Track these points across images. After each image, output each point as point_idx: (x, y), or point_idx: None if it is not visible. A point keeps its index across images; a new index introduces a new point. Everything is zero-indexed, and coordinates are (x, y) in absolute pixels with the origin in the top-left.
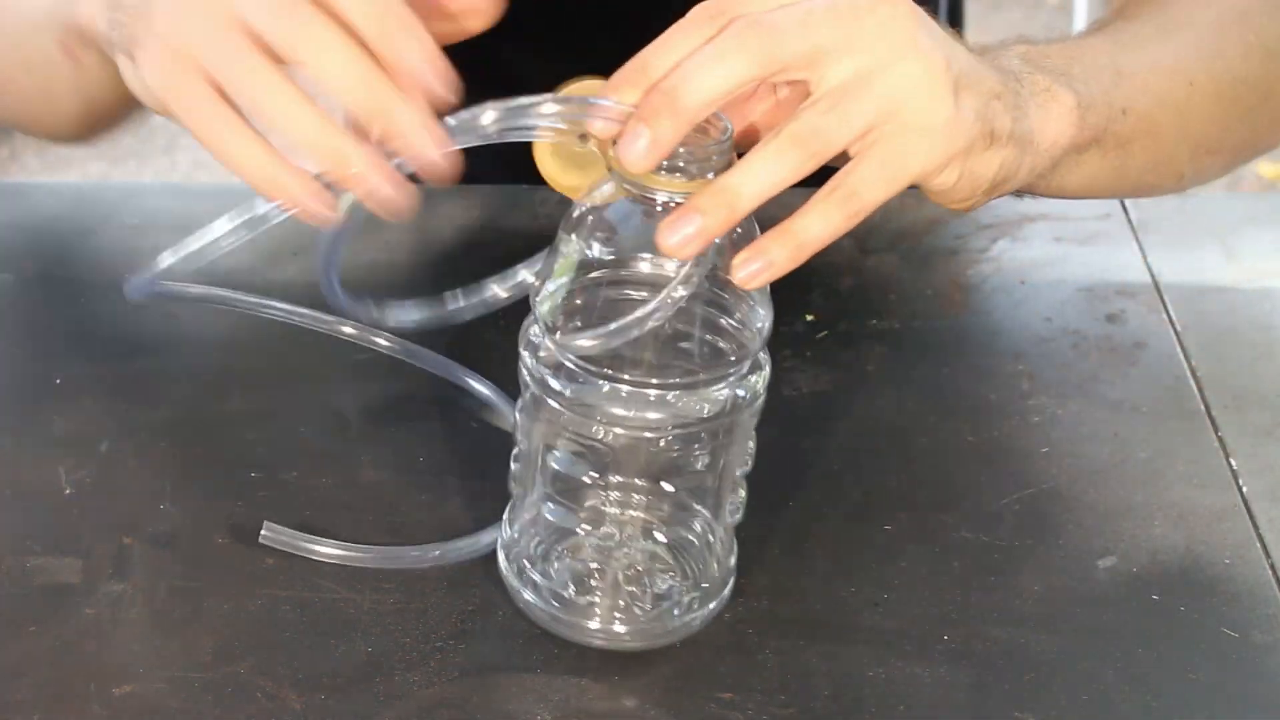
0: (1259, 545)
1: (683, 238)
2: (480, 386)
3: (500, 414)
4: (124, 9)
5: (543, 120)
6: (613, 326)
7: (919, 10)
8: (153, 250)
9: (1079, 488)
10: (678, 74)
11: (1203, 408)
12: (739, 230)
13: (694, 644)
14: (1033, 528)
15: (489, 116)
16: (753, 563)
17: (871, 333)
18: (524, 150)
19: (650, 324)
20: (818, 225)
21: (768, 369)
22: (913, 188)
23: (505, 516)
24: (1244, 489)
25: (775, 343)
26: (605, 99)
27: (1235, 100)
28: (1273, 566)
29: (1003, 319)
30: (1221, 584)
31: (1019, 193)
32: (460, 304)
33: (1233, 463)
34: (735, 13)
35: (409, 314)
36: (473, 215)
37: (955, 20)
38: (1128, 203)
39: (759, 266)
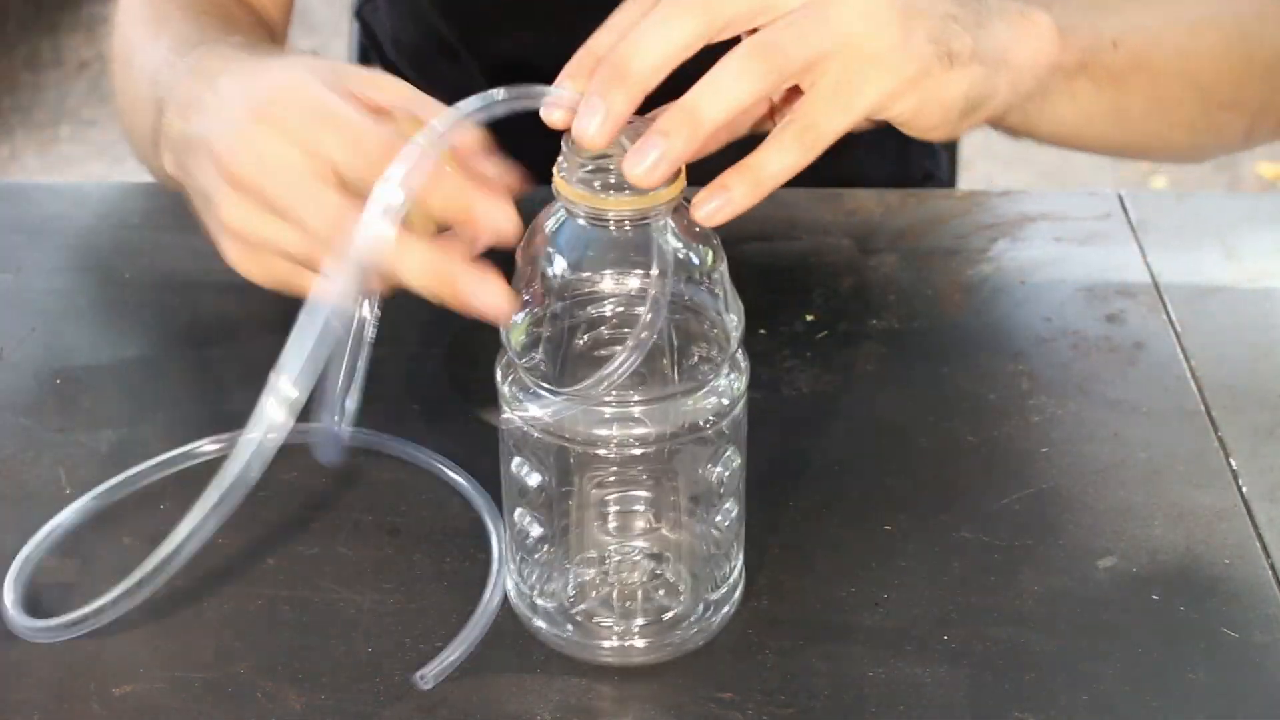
0: (1259, 545)
1: (650, 164)
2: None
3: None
4: (188, 169)
5: (495, 110)
6: (579, 387)
7: None
8: (153, 249)
9: (1079, 488)
10: (624, 44)
11: (1203, 408)
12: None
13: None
14: (1033, 528)
15: (441, 125)
16: (753, 563)
17: (871, 333)
18: (525, 158)
19: (623, 375)
20: (776, 160)
21: (746, 370)
22: (909, 187)
23: (508, 544)
24: (1244, 489)
25: (775, 343)
26: (556, 88)
27: (1247, 56)
28: (1273, 566)
29: (1003, 319)
30: (1221, 584)
31: (1013, 132)
32: None
33: (1233, 463)
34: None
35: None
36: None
37: None
38: (1127, 202)
39: (719, 203)
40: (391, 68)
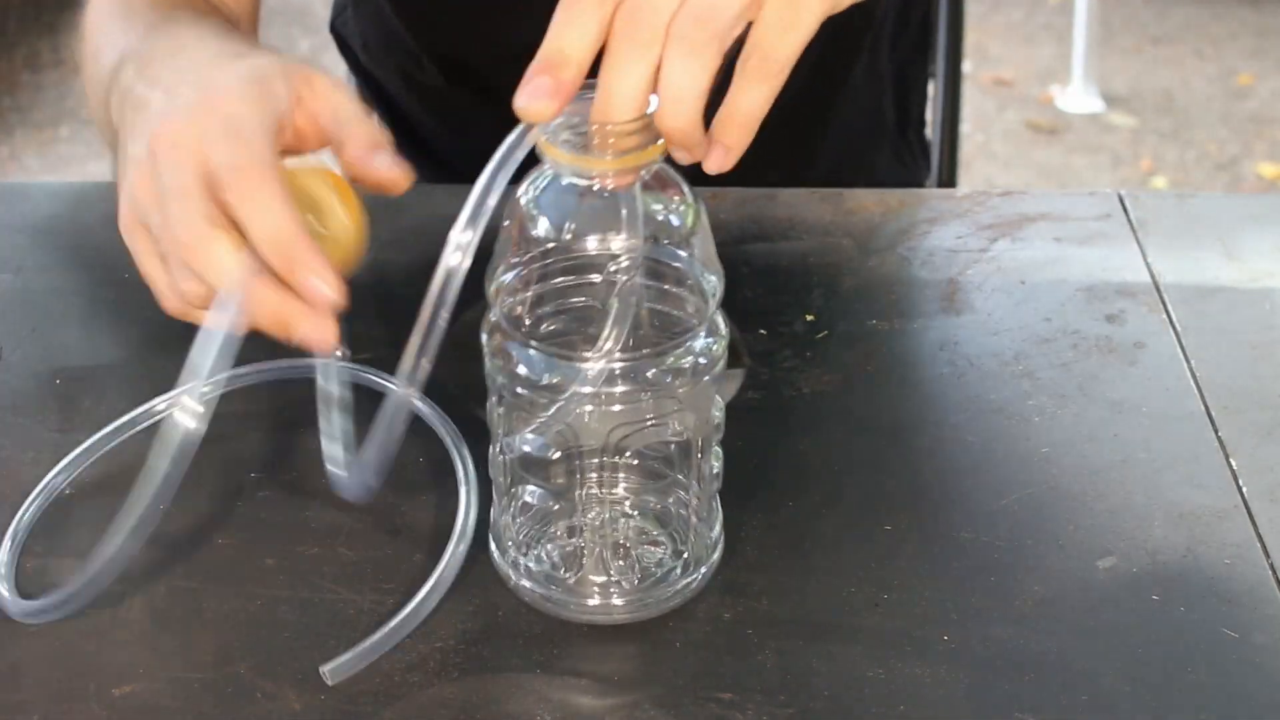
0: (1259, 545)
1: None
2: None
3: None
4: (125, 119)
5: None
6: (551, 411)
7: None
8: None
9: (1079, 488)
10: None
11: (1203, 408)
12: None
13: (694, 644)
14: (1033, 528)
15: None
16: (753, 563)
17: (871, 333)
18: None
19: (612, 350)
20: (749, 99)
21: (725, 332)
22: (907, 188)
23: (494, 505)
24: (1244, 489)
25: (775, 343)
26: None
27: None
28: (1273, 567)
29: (1003, 319)
30: (1221, 584)
31: None
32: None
33: (1233, 463)
34: None
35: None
36: None
37: (955, 19)
38: (1128, 202)
39: (720, 154)
40: (367, 74)
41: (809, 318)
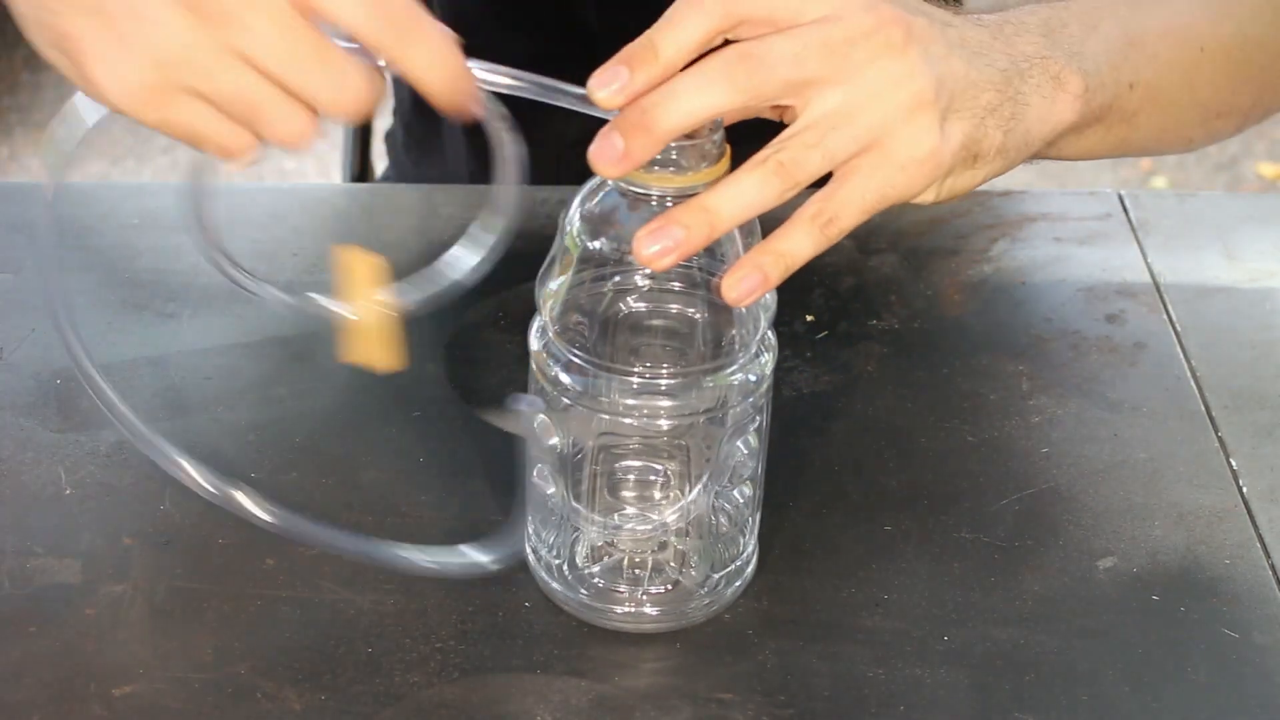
0: (1259, 545)
1: (661, 249)
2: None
3: (504, 413)
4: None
5: (560, 99)
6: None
7: (916, 26)
8: (153, 249)
9: (1079, 488)
10: (661, 94)
11: (1203, 408)
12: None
13: (694, 644)
14: (1033, 528)
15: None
16: None
17: (871, 333)
18: (559, 155)
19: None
20: (801, 243)
21: (774, 350)
22: None
23: (529, 513)
24: (1244, 489)
25: (775, 343)
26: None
27: (1245, 62)
28: (1273, 567)
29: (1003, 319)
30: (1221, 584)
31: None
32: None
33: (1233, 463)
34: (740, 14)
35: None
36: (472, 215)
37: None
38: (1128, 202)
39: (756, 282)
40: None
41: (809, 318)
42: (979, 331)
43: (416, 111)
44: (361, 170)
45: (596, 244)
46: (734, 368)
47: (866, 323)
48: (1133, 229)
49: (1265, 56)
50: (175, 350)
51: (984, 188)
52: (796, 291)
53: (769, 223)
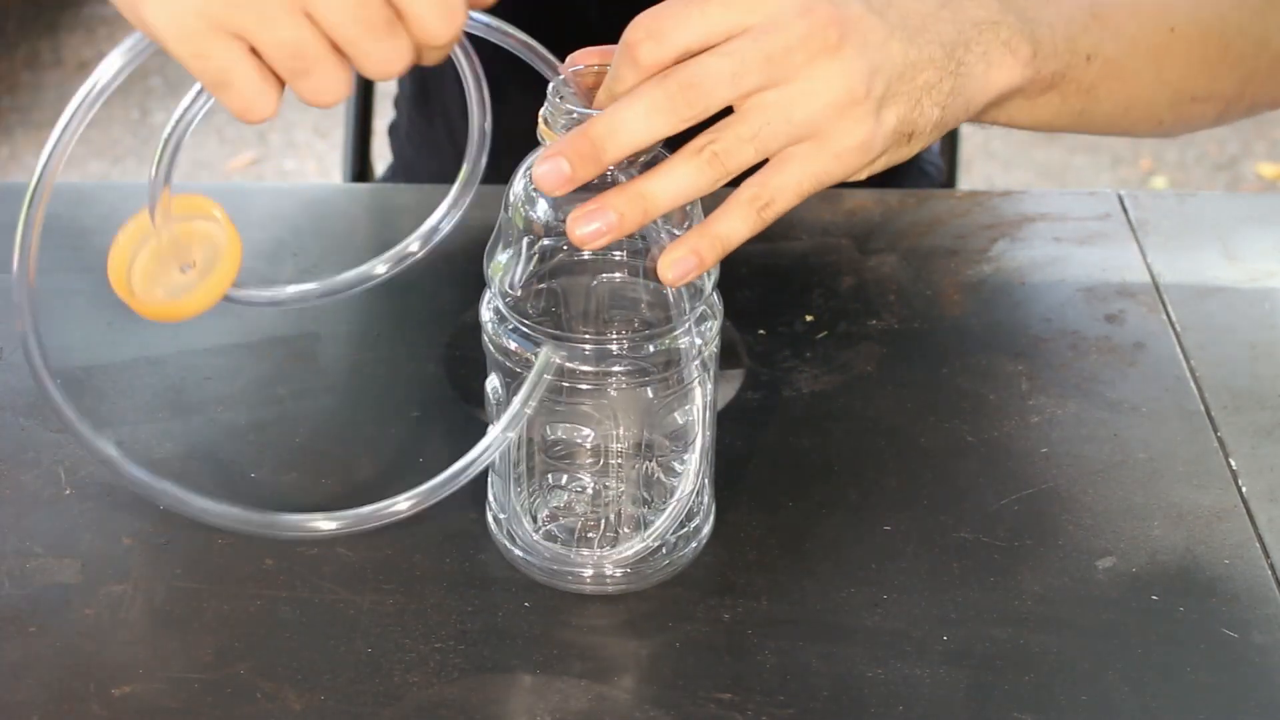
0: (1259, 545)
1: (594, 231)
2: None
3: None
4: None
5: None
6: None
7: (850, 20)
8: None
9: (1079, 488)
10: (607, 126)
11: (1203, 408)
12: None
13: (694, 644)
14: (1033, 528)
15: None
16: (753, 563)
17: (871, 333)
18: (519, 150)
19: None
20: (737, 226)
21: (719, 314)
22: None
23: (490, 478)
24: (1244, 489)
25: (775, 343)
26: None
27: (1224, 48)
28: (1272, 567)
29: (1003, 319)
30: (1221, 584)
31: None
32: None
33: (1233, 463)
34: (674, 43)
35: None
36: (474, 215)
37: None
38: (1127, 202)
39: (692, 265)
40: None
41: (809, 318)
42: (978, 331)
43: (418, 101)
44: (361, 170)
45: (538, 214)
46: (679, 329)
47: (866, 323)
48: (1132, 229)
49: (1248, 44)
50: (175, 350)
51: (984, 188)
52: (796, 291)
53: (708, 203)
